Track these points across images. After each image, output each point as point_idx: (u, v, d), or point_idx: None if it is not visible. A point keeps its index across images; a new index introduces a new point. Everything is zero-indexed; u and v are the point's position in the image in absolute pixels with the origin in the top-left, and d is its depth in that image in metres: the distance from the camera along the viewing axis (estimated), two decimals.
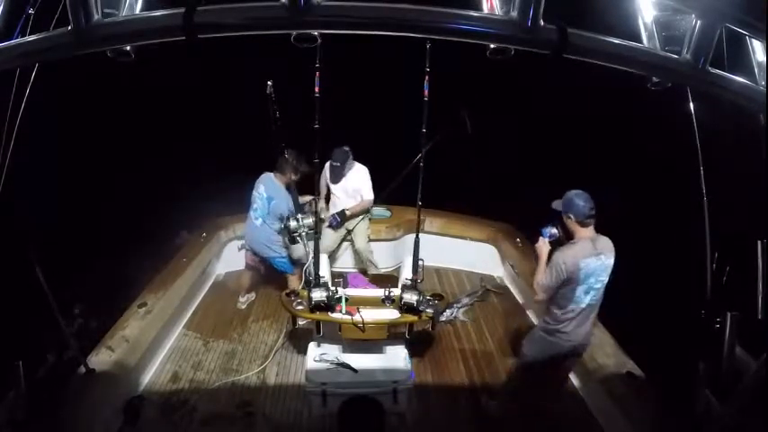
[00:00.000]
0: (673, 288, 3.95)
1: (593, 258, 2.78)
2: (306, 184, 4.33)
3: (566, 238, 2.95)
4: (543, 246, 3.02)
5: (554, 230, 3.02)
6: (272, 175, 4.18)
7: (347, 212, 4.76)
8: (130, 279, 4.73)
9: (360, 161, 4.82)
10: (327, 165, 4.74)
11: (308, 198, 4.38)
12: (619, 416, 3.17)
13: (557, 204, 2.94)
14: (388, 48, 3.22)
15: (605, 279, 2.86)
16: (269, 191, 4.17)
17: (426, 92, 2.86)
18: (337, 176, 4.70)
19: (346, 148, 4.65)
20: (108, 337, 3.59)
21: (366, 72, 9.02)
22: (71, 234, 5.96)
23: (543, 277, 2.88)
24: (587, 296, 2.86)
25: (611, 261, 2.84)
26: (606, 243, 2.86)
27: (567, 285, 2.83)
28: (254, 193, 4.28)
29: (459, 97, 4.77)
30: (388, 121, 8.44)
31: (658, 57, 1.56)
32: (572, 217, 2.83)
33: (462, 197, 5.90)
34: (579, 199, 2.81)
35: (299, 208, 4.28)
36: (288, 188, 4.19)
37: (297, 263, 4.44)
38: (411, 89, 3.23)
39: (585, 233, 2.83)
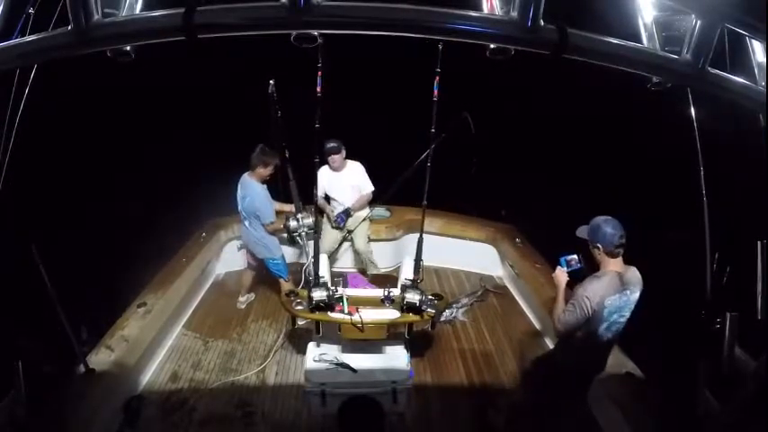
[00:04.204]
0: (673, 288, 3.95)
1: (618, 295, 2.55)
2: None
3: (588, 268, 2.73)
4: (561, 276, 2.79)
5: (576, 261, 2.80)
6: (246, 174, 4.18)
7: (351, 211, 4.79)
8: (131, 278, 4.73)
9: (361, 161, 4.83)
10: (320, 172, 4.71)
11: (286, 208, 4.37)
12: (618, 416, 3.17)
13: (581, 232, 2.67)
14: (389, 48, 3.22)
15: (628, 315, 2.65)
16: (244, 189, 4.18)
17: (436, 92, 2.85)
18: (336, 175, 4.70)
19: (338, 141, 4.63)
20: (107, 337, 3.60)
21: (365, 72, 9.02)
22: (71, 233, 5.95)
23: (566, 315, 2.62)
24: (608, 332, 2.65)
25: (636, 296, 2.61)
26: (633, 276, 2.62)
27: (588, 322, 2.59)
28: (238, 195, 4.28)
29: (459, 97, 4.78)
30: (389, 121, 8.46)
31: (658, 57, 1.56)
32: (600, 247, 2.56)
33: (462, 197, 5.89)
34: (608, 227, 2.54)
35: (298, 206, 4.29)
36: (265, 182, 4.16)
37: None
38: (412, 89, 3.23)
39: (613, 265, 2.58)
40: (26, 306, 3.28)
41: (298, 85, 3.13)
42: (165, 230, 5.81)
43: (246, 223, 4.27)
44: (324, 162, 4.60)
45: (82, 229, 6.29)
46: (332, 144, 4.54)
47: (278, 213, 4.25)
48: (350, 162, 4.75)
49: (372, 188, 4.84)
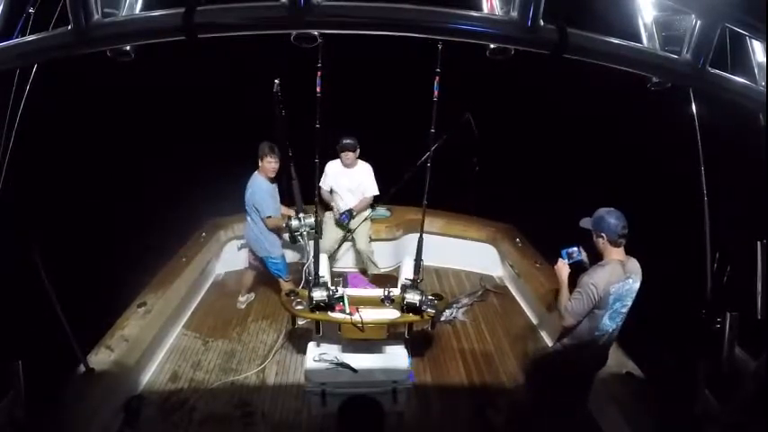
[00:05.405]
0: (673, 288, 3.95)
1: (621, 283, 2.61)
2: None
3: (589, 259, 2.80)
4: (564, 268, 2.86)
5: (576, 252, 2.86)
6: (256, 171, 4.22)
7: (354, 211, 4.80)
8: (131, 278, 4.73)
9: (363, 160, 4.85)
10: (328, 166, 4.76)
11: (291, 212, 4.38)
12: (618, 416, 3.17)
13: (585, 222, 2.74)
14: (391, 48, 3.22)
15: (629, 304, 2.70)
16: (249, 185, 4.22)
17: (437, 92, 2.85)
18: (344, 172, 4.73)
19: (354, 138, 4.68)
20: (107, 337, 3.60)
21: (368, 72, 9.02)
22: (71, 233, 5.95)
23: (573, 303, 2.66)
24: (612, 322, 2.70)
25: (637, 285, 2.68)
26: (634, 265, 2.69)
27: (593, 310, 2.65)
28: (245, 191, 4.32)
29: (460, 98, 4.78)
30: (390, 121, 8.46)
31: (658, 57, 1.56)
32: (604, 236, 2.64)
33: (462, 197, 5.89)
34: (611, 217, 2.62)
35: (300, 206, 4.30)
36: (273, 180, 4.20)
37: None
38: (413, 89, 3.23)
39: (616, 254, 2.65)
40: (26, 306, 3.28)
41: (301, 85, 3.12)
42: (165, 230, 5.81)
43: (249, 219, 4.31)
44: (333, 156, 4.66)
45: (82, 229, 6.28)
46: (348, 141, 4.59)
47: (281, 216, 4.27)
48: (360, 162, 4.78)
49: (377, 192, 4.87)
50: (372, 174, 4.83)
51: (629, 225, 2.64)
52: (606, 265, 2.65)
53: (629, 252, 2.71)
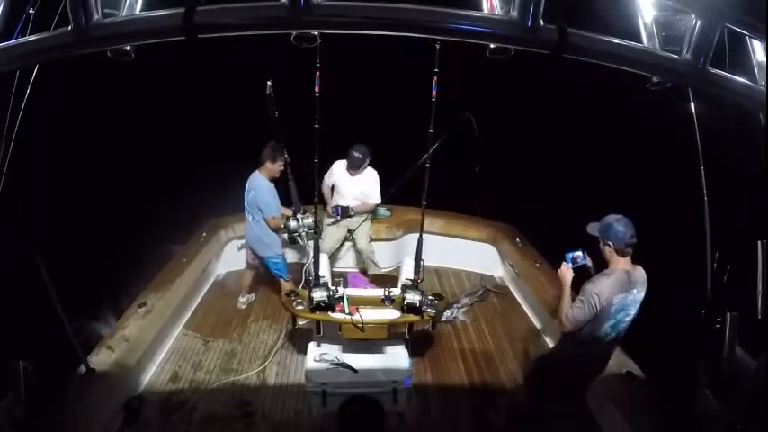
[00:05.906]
0: (673, 287, 3.95)
1: (625, 294, 2.58)
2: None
3: (593, 265, 2.78)
4: (567, 272, 2.81)
5: (580, 257, 2.84)
6: (256, 171, 4.21)
7: (351, 211, 4.78)
8: (131, 278, 4.73)
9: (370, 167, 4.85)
10: (335, 165, 4.76)
11: (289, 212, 4.38)
12: (618, 416, 3.17)
13: (592, 228, 2.69)
14: (391, 47, 3.22)
15: (633, 314, 2.67)
16: (251, 184, 4.21)
17: (435, 92, 2.85)
18: (349, 176, 4.73)
19: (365, 148, 4.66)
20: (108, 337, 3.60)
21: (368, 71, 9.02)
22: (71, 234, 5.96)
23: (574, 311, 2.63)
24: (614, 331, 2.67)
25: (641, 295, 2.64)
26: (640, 275, 2.65)
27: (594, 319, 2.61)
28: (245, 192, 4.31)
29: (461, 97, 4.77)
30: (390, 121, 8.46)
31: (658, 57, 1.56)
32: (610, 244, 2.59)
33: (462, 197, 5.89)
34: (619, 225, 2.56)
35: (298, 206, 4.30)
36: (273, 181, 4.20)
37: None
38: (413, 89, 3.23)
39: (622, 264, 2.61)
40: (26, 306, 3.28)
41: (300, 85, 3.12)
42: (165, 230, 5.81)
43: (250, 218, 4.30)
44: (335, 155, 4.64)
45: (82, 229, 6.29)
46: (356, 154, 4.56)
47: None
48: (368, 168, 4.77)
49: (379, 200, 4.87)
50: (378, 182, 4.81)
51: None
52: (611, 274, 2.60)
53: (632, 253, 2.69)
